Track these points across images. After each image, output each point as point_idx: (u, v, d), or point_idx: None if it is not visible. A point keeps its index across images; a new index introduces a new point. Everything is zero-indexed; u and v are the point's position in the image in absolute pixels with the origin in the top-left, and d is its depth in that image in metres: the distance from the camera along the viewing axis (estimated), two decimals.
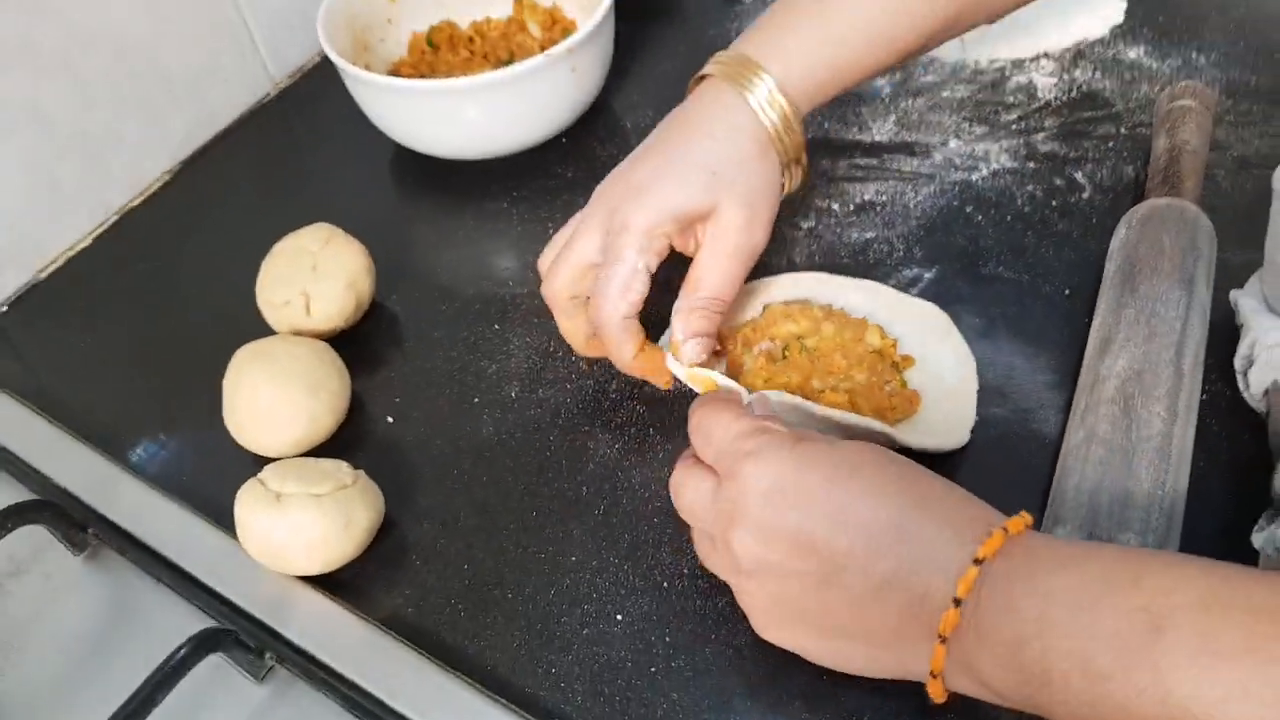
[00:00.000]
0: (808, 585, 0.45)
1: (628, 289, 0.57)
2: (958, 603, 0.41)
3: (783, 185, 0.61)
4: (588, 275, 0.59)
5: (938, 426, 0.59)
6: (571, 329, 0.62)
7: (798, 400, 0.57)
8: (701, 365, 0.57)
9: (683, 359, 0.57)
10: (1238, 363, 0.57)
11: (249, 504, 0.55)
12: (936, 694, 0.44)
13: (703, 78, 0.61)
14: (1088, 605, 0.39)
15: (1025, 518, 0.43)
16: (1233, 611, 0.37)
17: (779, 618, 0.47)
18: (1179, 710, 0.36)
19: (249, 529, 0.55)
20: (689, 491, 0.49)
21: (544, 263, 0.63)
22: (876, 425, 0.56)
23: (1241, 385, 0.58)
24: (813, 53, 0.58)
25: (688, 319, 0.57)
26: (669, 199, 0.56)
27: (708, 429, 0.49)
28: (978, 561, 0.41)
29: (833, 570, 0.44)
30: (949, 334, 0.64)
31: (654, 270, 0.58)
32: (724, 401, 0.50)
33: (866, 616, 0.44)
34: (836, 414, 0.56)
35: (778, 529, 0.45)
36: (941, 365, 0.62)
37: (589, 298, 0.59)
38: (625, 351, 0.58)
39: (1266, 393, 0.54)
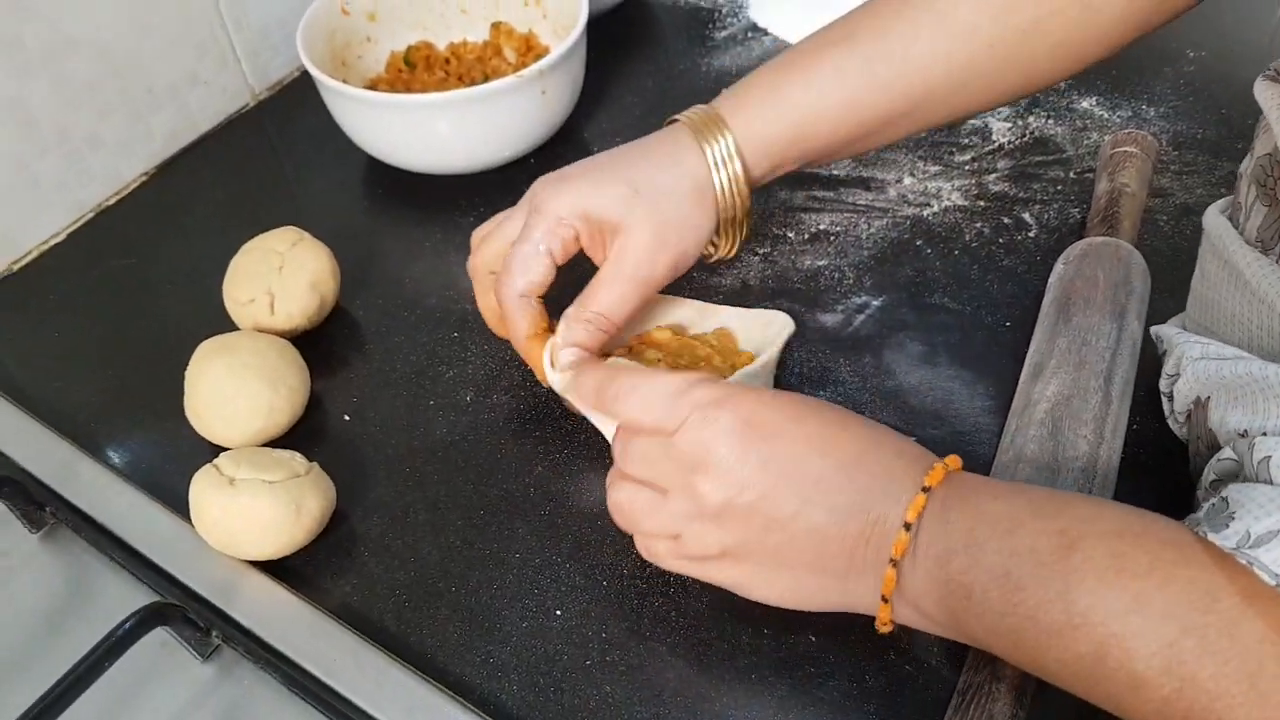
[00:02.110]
0: (774, 521, 0.47)
1: (527, 267, 0.58)
2: (908, 527, 0.45)
3: (716, 245, 0.63)
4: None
5: (766, 329, 0.63)
6: (486, 305, 0.64)
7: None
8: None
9: (556, 364, 0.58)
10: (1163, 383, 0.59)
11: (203, 486, 0.56)
12: (884, 620, 0.47)
13: (672, 122, 0.62)
14: (1012, 527, 0.43)
15: (957, 459, 0.47)
16: (1144, 539, 0.41)
17: (734, 558, 0.49)
18: (1080, 619, 0.39)
19: (202, 511, 0.56)
20: (638, 447, 0.50)
21: (476, 238, 0.65)
22: (758, 360, 0.60)
23: (1167, 410, 0.60)
24: (776, 123, 0.59)
25: (570, 327, 0.58)
26: (583, 194, 0.58)
27: (645, 392, 0.50)
28: (925, 489, 0.45)
29: (800, 503, 0.46)
30: (679, 301, 0.66)
31: (559, 259, 0.59)
32: (646, 368, 0.53)
33: (826, 547, 0.47)
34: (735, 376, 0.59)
35: (748, 466, 0.46)
36: (691, 310, 0.65)
37: None
38: (519, 329, 0.59)
39: (1189, 415, 0.56)
